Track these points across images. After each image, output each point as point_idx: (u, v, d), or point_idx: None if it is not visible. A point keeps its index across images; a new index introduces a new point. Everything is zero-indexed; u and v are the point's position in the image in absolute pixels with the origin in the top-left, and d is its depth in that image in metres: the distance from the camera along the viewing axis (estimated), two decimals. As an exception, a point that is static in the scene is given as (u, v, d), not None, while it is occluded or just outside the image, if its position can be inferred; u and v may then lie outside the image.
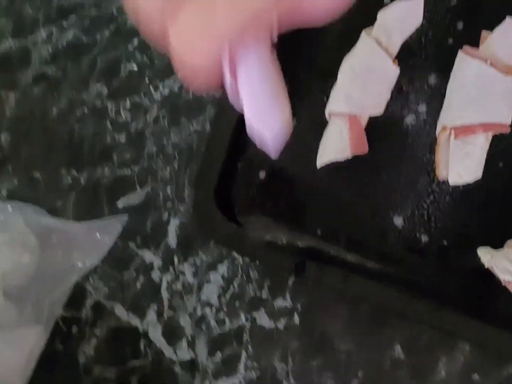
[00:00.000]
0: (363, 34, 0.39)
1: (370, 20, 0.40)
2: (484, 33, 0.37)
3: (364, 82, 0.39)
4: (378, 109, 0.40)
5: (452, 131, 0.37)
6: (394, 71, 0.39)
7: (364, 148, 0.40)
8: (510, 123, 0.36)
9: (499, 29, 0.36)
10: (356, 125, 0.39)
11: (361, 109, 0.39)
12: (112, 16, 0.46)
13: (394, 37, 0.39)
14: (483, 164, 0.37)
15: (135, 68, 0.45)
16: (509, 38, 0.36)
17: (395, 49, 0.40)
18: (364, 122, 0.40)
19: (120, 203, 0.44)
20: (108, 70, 0.46)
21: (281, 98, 0.27)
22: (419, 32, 0.40)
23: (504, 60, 0.35)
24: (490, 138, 0.36)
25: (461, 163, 0.36)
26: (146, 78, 0.45)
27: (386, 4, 0.40)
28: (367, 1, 0.40)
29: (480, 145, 0.36)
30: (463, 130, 0.36)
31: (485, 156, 0.37)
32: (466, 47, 0.37)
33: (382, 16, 0.39)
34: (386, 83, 0.39)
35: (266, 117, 0.27)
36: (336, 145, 0.39)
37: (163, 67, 0.45)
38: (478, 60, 0.36)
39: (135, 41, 0.45)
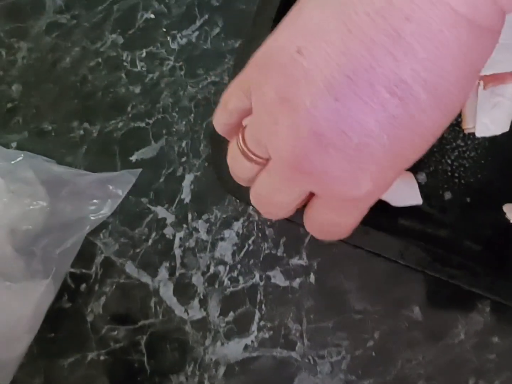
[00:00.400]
0: None
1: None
2: None
3: None
4: None
5: (481, 81, 0.36)
6: None
7: None
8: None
9: None
10: None
11: None
12: (129, -37, 0.45)
13: None
14: (511, 117, 0.36)
15: (152, 17, 0.44)
16: None
17: None
18: None
19: (134, 157, 0.43)
20: (124, 19, 0.44)
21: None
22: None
23: None
24: (520, 84, 0.35)
25: (489, 114, 0.35)
26: (163, 28, 0.44)
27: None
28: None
29: (509, 96, 0.35)
30: (493, 79, 0.35)
31: None
32: None
33: None
34: None
35: (402, 197, 0.36)
36: None
37: (180, 16, 0.43)
38: None
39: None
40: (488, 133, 0.36)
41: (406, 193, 0.37)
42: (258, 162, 0.26)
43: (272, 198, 0.27)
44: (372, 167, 0.23)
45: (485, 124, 0.35)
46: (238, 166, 0.28)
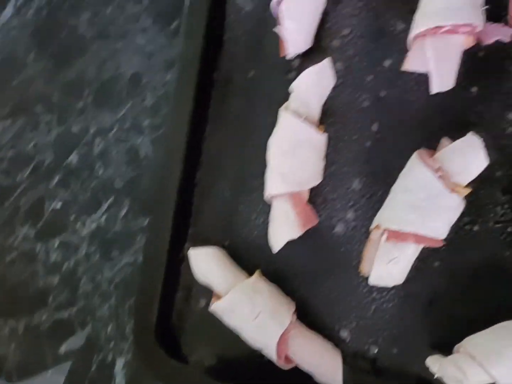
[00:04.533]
0: (281, 111, 0.38)
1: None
2: (444, 140, 0.36)
3: (294, 158, 0.37)
4: (315, 179, 0.38)
5: (385, 232, 0.35)
6: (321, 137, 0.38)
7: (313, 221, 0.38)
8: (443, 238, 0.34)
9: (459, 143, 0.35)
10: (300, 202, 0.38)
11: (299, 185, 0.37)
12: (29, 155, 0.45)
13: (312, 104, 0.38)
14: (407, 272, 0.35)
15: (59, 206, 0.44)
16: (465, 155, 0.34)
17: (316, 115, 0.39)
18: (305, 195, 0.38)
19: (62, 349, 0.42)
20: (32, 211, 0.44)
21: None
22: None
23: (454, 176, 0.34)
24: (420, 248, 0.35)
25: (385, 267, 0.35)
26: (72, 215, 0.44)
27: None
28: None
29: (408, 254, 0.35)
30: (396, 236, 0.35)
31: (411, 264, 0.35)
32: (422, 151, 0.35)
33: (296, 87, 0.38)
34: (316, 152, 0.38)
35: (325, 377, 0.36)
36: (285, 226, 0.38)
37: (87, 201, 0.44)
38: (429, 170, 0.34)
39: (56, 178, 0.44)
40: (381, 284, 0.35)
41: (329, 373, 0.36)
42: None
43: None
44: None
45: (380, 276, 0.35)
46: None
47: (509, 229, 0.36)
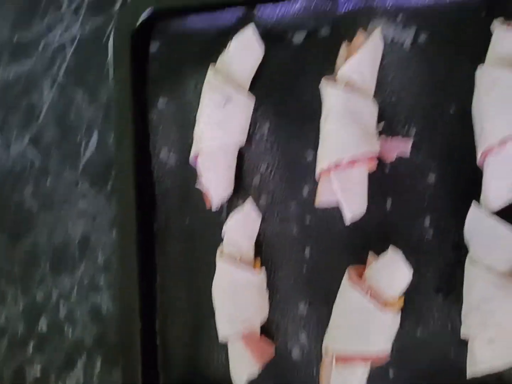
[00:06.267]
0: (217, 257, 0.40)
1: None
2: (370, 256, 0.38)
3: (237, 299, 0.39)
4: (262, 315, 0.40)
5: (334, 356, 0.37)
6: (258, 276, 0.40)
7: (269, 354, 0.40)
8: (389, 353, 0.36)
9: (382, 259, 0.36)
10: (251, 339, 0.40)
11: (246, 323, 0.39)
12: (2, 328, 0.47)
13: (244, 244, 0.40)
14: None
15: (39, 369, 0.46)
16: (389, 270, 0.36)
17: (250, 254, 0.40)
18: (256, 331, 0.40)
19: None
20: (15, 379, 0.46)
21: None
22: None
23: (385, 292, 0.36)
24: (369, 365, 0.37)
25: None
26: (52, 376, 0.46)
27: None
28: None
29: (359, 373, 0.36)
30: (343, 358, 0.37)
31: (364, 380, 0.37)
32: (352, 270, 0.37)
33: (226, 231, 0.40)
34: (257, 289, 0.40)
35: None
36: (244, 364, 0.40)
37: (63, 362, 0.46)
38: (360, 292, 0.36)
39: (31, 345, 0.47)
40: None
41: None
42: None
43: None
44: None
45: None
46: None
47: (449, 326, 0.39)
